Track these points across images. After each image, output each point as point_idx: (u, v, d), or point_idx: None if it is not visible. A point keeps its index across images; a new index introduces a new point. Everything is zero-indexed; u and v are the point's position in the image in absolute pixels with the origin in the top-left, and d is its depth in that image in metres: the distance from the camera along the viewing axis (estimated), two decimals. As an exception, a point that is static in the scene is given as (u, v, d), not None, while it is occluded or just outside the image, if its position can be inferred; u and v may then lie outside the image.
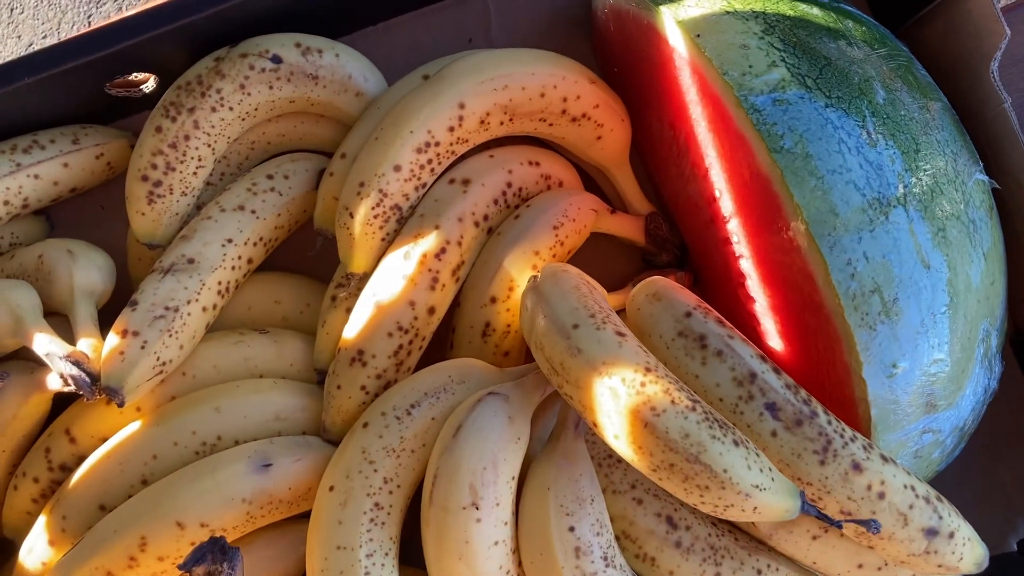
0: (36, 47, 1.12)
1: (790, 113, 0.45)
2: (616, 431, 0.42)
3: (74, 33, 1.11)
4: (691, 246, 0.59)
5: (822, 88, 0.46)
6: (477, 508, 0.44)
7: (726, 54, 0.47)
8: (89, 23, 1.13)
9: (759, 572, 0.48)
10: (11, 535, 0.54)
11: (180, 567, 0.42)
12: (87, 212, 0.61)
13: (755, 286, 0.51)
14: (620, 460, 0.49)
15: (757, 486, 0.41)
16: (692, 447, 0.40)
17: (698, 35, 0.47)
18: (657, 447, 0.41)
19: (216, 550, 0.43)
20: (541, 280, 0.47)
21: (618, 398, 0.41)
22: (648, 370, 0.42)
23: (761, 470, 0.41)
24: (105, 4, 1.13)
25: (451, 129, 0.51)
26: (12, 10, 1.13)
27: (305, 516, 0.49)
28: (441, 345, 0.55)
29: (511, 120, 0.53)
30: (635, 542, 0.48)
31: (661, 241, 0.58)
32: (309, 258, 0.57)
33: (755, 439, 0.44)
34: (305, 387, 0.53)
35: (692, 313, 0.46)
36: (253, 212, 0.54)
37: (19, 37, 1.12)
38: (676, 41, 0.49)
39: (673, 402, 0.41)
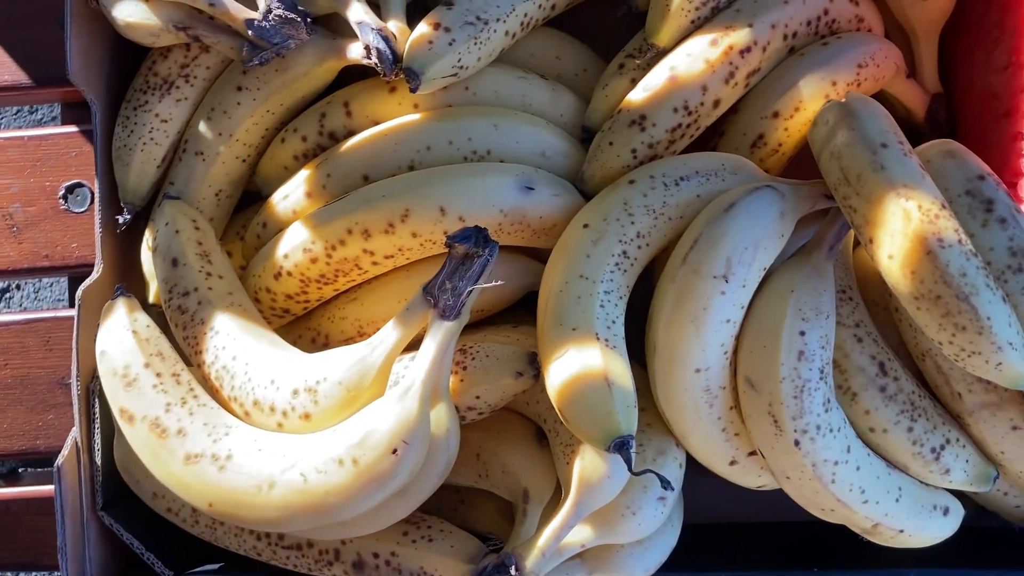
0: None
1: None
2: (893, 251, 0.43)
3: None
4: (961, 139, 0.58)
5: None
6: (726, 281, 0.46)
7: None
8: None
9: (947, 441, 0.49)
10: (261, 184, 0.57)
11: (449, 238, 0.44)
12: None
13: (1035, 184, 0.50)
14: (851, 298, 0.50)
15: (1011, 343, 0.42)
16: (966, 287, 0.41)
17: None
18: (932, 275, 0.42)
19: (480, 237, 0.45)
20: (850, 99, 0.47)
21: (910, 220, 0.42)
22: (944, 207, 0.43)
23: (1018, 332, 0.42)
24: None
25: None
26: None
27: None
28: (702, 147, 0.56)
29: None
30: (844, 373, 0.49)
31: (936, 124, 0.58)
32: (592, 32, 0.59)
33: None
34: (571, 138, 0.55)
35: (986, 177, 0.47)
36: (572, -40, 0.55)
37: None
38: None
39: (960, 241, 0.42)
